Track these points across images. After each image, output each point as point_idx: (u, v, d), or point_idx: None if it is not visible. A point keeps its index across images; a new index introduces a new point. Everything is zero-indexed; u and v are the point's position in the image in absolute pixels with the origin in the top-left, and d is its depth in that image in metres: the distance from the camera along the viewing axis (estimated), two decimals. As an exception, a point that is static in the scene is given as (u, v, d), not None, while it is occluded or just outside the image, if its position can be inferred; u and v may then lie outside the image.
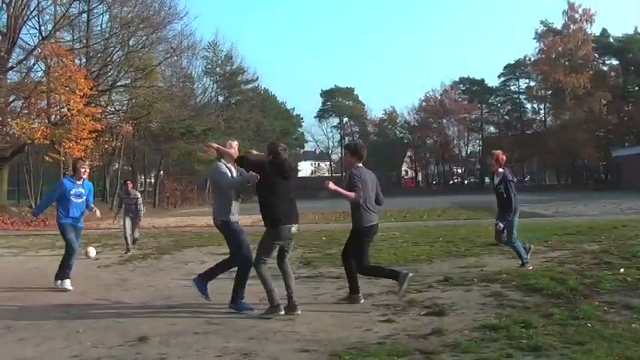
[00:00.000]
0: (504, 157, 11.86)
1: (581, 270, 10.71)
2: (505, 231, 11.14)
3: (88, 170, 12.06)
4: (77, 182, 11.64)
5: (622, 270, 10.29)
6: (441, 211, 33.57)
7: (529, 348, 6.15)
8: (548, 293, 8.77)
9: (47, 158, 37.61)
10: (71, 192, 11.50)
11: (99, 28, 42.50)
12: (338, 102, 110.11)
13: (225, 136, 65.53)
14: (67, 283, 11.16)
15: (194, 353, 6.61)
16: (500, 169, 11.54)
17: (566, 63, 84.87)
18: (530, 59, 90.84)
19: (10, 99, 35.53)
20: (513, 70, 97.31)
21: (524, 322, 7.09)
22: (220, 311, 8.66)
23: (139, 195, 18.30)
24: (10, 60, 36.49)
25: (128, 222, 17.64)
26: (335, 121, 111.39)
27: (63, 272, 11.25)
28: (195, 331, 7.54)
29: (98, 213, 12.63)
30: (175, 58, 47.02)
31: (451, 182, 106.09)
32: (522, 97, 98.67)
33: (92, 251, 16.19)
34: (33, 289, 11.28)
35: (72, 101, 32.88)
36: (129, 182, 18.65)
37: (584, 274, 10.11)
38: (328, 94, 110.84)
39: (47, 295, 10.49)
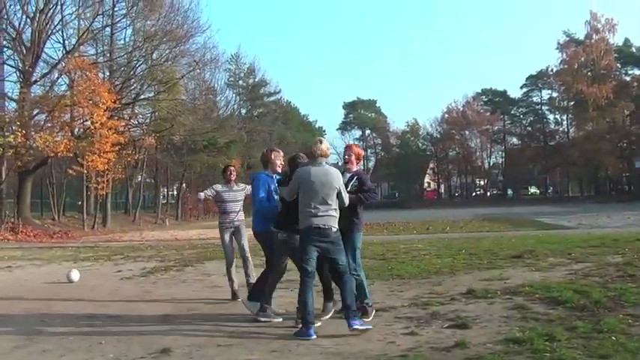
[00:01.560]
0: (362, 152, 9.85)
1: (604, 282, 10.61)
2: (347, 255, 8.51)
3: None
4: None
5: (646, 283, 10.21)
6: (463, 223, 33.45)
7: (553, 361, 6.11)
8: (571, 306, 8.70)
9: (70, 171, 37.89)
10: (272, 188, 9.27)
11: (122, 41, 42.98)
12: (360, 114, 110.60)
13: (247, 148, 65.99)
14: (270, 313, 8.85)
15: (217, 366, 6.62)
16: (355, 168, 9.23)
17: (589, 73, 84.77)
18: (552, 70, 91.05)
19: (34, 112, 35.84)
20: (535, 81, 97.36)
21: (547, 335, 7.04)
22: (243, 324, 8.66)
23: (245, 186, 11.45)
24: (34, 74, 36.78)
25: (228, 238, 11.16)
26: (357, 133, 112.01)
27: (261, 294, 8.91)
28: (218, 344, 7.54)
29: None
30: (198, 71, 47.40)
31: (474, 194, 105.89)
32: (545, 108, 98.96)
33: (75, 275, 13.87)
34: (56, 300, 11.31)
35: (95, 114, 33.17)
36: (232, 168, 11.85)
37: (608, 287, 10.01)
38: (350, 107, 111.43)
39: (70, 307, 10.52)
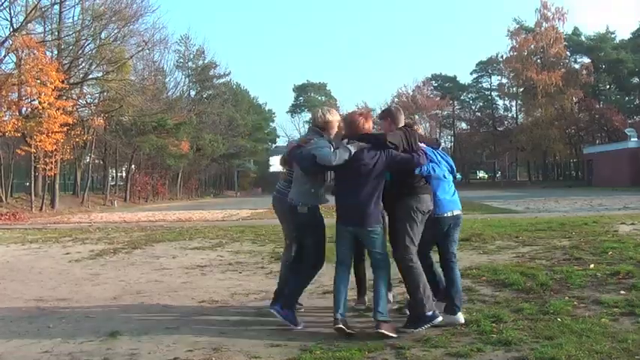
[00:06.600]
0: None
1: (551, 265, 10.76)
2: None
3: None
4: None
5: (592, 266, 10.34)
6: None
7: (499, 342, 6.19)
8: (518, 288, 8.82)
9: (19, 151, 37.38)
10: None
11: (71, 20, 42.18)
12: (310, 97, 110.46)
13: (196, 130, 65.60)
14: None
15: (165, 348, 6.57)
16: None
17: (538, 61, 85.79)
18: (502, 56, 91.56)
19: (-20, 91, 35.15)
20: (485, 67, 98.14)
21: (494, 317, 7.14)
22: (191, 306, 8.65)
23: None
24: (-20, 52, 36.07)
25: None
26: (307, 116, 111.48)
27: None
28: (166, 326, 7.50)
29: None
30: (147, 51, 47.04)
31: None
32: (494, 94, 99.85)
33: None
34: (3, 283, 11.16)
35: (43, 94, 32.63)
36: None
37: (555, 270, 10.16)
38: (301, 89, 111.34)
39: (17, 290, 10.37)
